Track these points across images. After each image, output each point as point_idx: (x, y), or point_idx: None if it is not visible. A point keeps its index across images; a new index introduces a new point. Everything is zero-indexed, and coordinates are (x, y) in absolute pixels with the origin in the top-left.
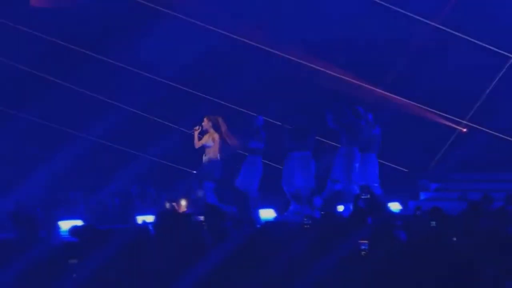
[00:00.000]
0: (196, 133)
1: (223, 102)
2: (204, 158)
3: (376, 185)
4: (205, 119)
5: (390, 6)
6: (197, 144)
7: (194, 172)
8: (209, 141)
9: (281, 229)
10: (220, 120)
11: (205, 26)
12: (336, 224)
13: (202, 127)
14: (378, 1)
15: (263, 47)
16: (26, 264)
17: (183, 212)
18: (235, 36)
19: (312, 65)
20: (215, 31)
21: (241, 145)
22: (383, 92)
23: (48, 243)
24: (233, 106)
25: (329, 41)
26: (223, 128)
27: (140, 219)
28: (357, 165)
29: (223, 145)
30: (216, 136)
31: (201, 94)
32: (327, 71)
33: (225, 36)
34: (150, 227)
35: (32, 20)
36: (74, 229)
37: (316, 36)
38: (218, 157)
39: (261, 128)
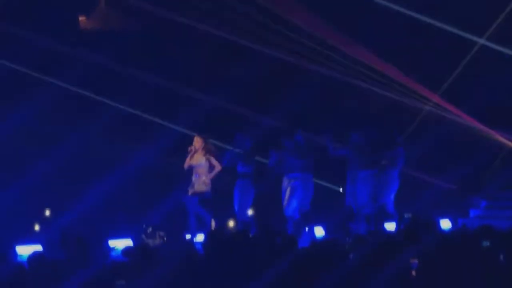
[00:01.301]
0: (191, 153)
1: (280, 122)
2: (195, 179)
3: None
4: (196, 138)
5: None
6: (187, 163)
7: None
8: (201, 161)
9: (332, 247)
10: (209, 140)
11: (257, 47)
12: (385, 243)
13: (193, 146)
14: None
15: (316, 67)
16: (76, 284)
17: (232, 232)
18: (286, 57)
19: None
20: (267, 52)
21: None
22: (432, 107)
23: (97, 263)
24: (289, 126)
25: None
26: (212, 148)
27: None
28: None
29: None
30: (208, 155)
31: (257, 114)
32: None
33: (276, 56)
34: (199, 246)
35: (85, 43)
36: (126, 250)
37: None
38: (210, 177)
39: (251, 151)
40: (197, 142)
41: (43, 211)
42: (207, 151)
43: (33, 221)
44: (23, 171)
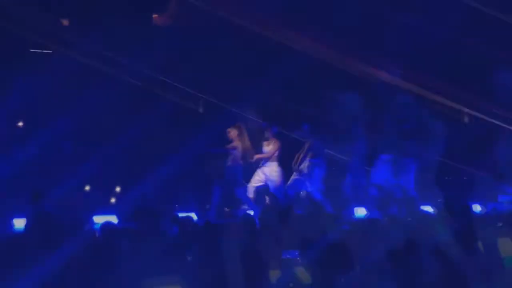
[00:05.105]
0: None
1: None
2: (228, 164)
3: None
4: (229, 130)
5: None
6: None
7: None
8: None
9: (373, 226)
10: (242, 127)
11: None
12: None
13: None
14: None
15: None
16: (146, 253)
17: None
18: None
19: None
20: None
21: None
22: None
23: (168, 234)
24: None
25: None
26: (245, 135)
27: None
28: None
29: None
30: (239, 143)
31: None
32: None
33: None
34: (256, 219)
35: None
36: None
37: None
38: (240, 163)
39: (276, 136)
40: (232, 132)
41: (117, 186)
42: (241, 138)
43: (110, 194)
44: (103, 146)
